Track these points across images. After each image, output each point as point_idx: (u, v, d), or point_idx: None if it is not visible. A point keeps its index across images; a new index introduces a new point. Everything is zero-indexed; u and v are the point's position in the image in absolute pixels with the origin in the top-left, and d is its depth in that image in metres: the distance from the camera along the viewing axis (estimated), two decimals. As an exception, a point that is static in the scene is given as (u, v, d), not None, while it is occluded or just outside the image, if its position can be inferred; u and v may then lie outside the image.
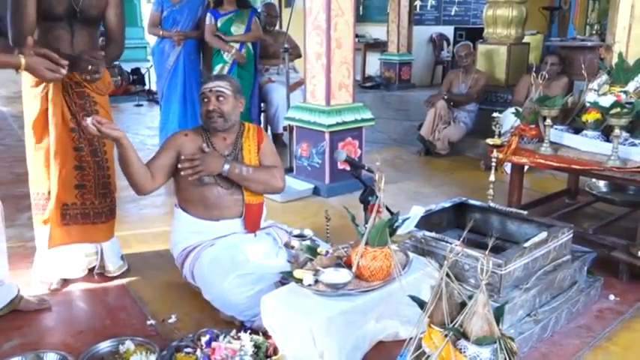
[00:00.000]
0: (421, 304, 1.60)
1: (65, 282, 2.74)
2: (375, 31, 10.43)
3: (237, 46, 4.87)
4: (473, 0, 10.73)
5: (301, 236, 2.43)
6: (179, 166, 2.39)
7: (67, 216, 2.61)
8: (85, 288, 2.72)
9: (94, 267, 2.81)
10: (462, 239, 1.79)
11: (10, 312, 2.41)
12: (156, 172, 2.40)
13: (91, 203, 2.65)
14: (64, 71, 2.16)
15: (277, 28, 5.93)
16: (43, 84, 2.50)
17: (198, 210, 2.48)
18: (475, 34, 7.60)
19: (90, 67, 2.32)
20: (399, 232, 2.12)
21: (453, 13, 9.92)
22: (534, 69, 3.67)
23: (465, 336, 1.49)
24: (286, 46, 4.70)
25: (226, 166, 2.41)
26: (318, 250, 2.15)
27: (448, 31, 10.32)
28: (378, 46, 10.31)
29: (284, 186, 2.62)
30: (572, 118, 3.08)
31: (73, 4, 2.48)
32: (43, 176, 2.60)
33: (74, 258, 2.74)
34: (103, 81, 2.66)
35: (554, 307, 2.27)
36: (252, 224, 2.52)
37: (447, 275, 1.51)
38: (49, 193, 2.60)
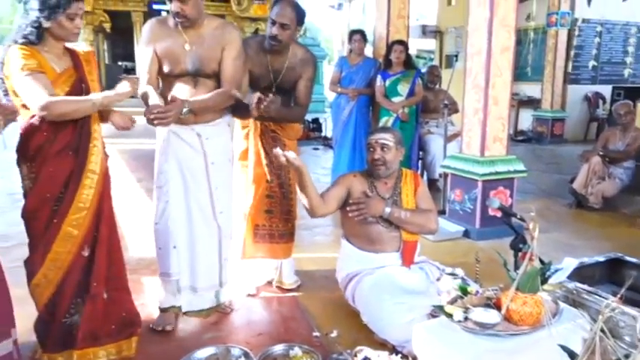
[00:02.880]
0: (572, 355, 1.43)
1: (258, 290, 2.92)
2: (529, 89, 9.86)
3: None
4: (633, 60, 9.69)
5: (452, 274, 2.34)
6: (347, 208, 2.45)
7: (257, 235, 2.82)
8: (264, 297, 2.88)
9: (272, 280, 2.98)
10: (619, 295, 1.58)
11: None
12: (328, 199, 2.50)
13: (276, 226, 2.84)
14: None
15: (438, 86, 5.90)
16: (248, 127, 2.76)
17: (361, 243, 2.51)
18: (634, 93, 6.82)
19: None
20: (551, 281, 1.94)
21: (626, 74, 8.87)
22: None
23: (619, 394, 1.30)
24: (446, 102, 4.65)
25: (387, 210, 2.42)
26: (469, 289, 2.04)
27: (604, 89, 9.38)
28: (532, 103, 9.70)
29: (437, 228, 2.56)
30: None
31: (273, 82, 2.73)
32: (242, 199, 2.84)
33: (259, 270, 2.94)
34: (292, 128, 2.85)
35: None
36: (408, 259, 2.49)
37: (602, 330, 1.34)
38: (244, 214, 2.83)
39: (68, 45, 2.10)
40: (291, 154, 2.25)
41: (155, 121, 2.14)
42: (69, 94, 2.01)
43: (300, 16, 2.65)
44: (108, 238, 2.16)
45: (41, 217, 2.03)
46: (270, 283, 2.99)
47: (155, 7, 11.06)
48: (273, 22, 2.59)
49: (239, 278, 2.92)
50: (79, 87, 2.05)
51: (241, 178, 2.85)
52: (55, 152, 2.00)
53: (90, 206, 2.07)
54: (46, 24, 1.94)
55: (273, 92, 2.74)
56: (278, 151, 2.28)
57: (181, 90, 2.36)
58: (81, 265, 2.10)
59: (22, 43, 1.95)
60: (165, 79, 2.43)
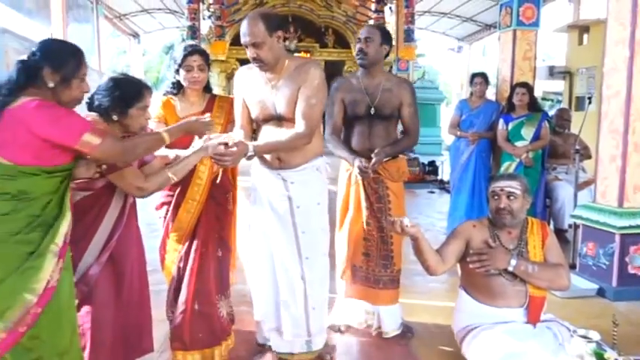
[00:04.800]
0: None
1: (348, 328, 2.89)
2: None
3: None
4: None
5: (585, 337, 2.10)
6: (468, 259, 2.33)
7: (355, 275, 2.80)
8: (375, 343, 2.80)
9: (372, 324, 2.90)
10: None
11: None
12: (446, 256, 2.38)
13: (372, 270, 2.79)
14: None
15: (567, 130, 5.52)
16: (350, 169, 2.81)
17: (481, 295, 2.36)
18: None
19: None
20: None
21: None
22: None
23: None
24: (577, 147, 4.32)
25: (513, 262, 2.26)
26: (605, 355, 1.84)
27: None
28: (680, 149, 8.63)
29: (569, 285, 2.33)
30: None
31: (370, 104, 2.76)
32: (343, 240, 2.86)
33: (356, 312, 2.91)
34: (397, 170, 2.83)
35: None
36: (533, 316, 2.29)
37: None
38: (346, 255, 2.83)
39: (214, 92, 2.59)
40: (406, 221, 2.19)
41: (213, 162, 2.20)
42: None
43: (383, 32, 2.80)
44: (199, 260, 2.42)
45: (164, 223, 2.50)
46: (369, 327, 2.91)
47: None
48: (359, 40, 2.78)
49: (338, 316, 2.92)
50: None
51: (342, 226, 2.87)
52: None
53: (187, 227, 2.43)
54: (177, 77, 2.46)
55: (371, 115, 2.77)
56: (393, 219, 2.22)
57: (268, 134, 2.38)
58: (180, 276, 2.44)
59: (164, 94, 2.53)
60: (257, 124, 2.51)
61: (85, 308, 1.94)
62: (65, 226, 1.71)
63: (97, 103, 1.99)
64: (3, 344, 1.56)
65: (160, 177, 2.05)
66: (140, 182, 1.99)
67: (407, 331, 2.89)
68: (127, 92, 1.99)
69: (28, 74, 1.66)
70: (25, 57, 1.70)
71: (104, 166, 1.90)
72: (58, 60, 1.69)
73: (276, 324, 2.46)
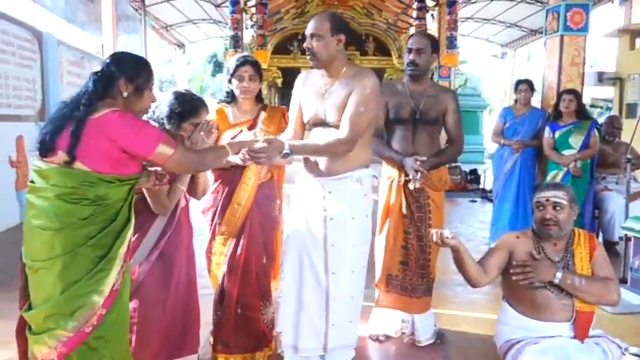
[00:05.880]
0: None
1: (387, 338, 2.87)
2: None
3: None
4: None
5: (638, 356, 2.00)
6: (511, 270, 2.25)
7: (390, 284, 2.78)
8: (404, 350, 2.79)
9: (406, 332, 2.88)
10: None
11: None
12: (488, 268, 2.31)
13: (409, 279, 2.77)
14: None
15: (618, 138, 5.30)
16: (392, 177, 2.80)
17: (525, 308, 2.27)
18: None
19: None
20: None
21: None
22: None
23: None
24: (629, 156, 4.13)
25: (558, 275, 2.17)
26: (660, 376, 1.74)
27: None
28: None
29: (619, 300, 2.23)
30: None
31: (415, 109, 2.75)
32: (381, 249, 2.83)
33: (392, 320, 2.88)
34: (440, 179, 2.80)
35: None
36: (581, 331, 2.19)
37: None
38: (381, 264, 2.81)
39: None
40: (446, 233, 2.14)
41: (249, 159, 2.17)
42: (233, 137, 2.52)
43: (433, 42, 2.82)
44: (243, 265, 2.47)
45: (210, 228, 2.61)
46: (404, 334, 2.88)
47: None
48: (410, 50, 2.77)
49: (374, 325, 2.89)
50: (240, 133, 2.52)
51: (382, 233, 2.85)
52: (216, 178, 2.58)
53: (233, 230, 2.51)
54: (230, 86, 2.57)
55: (416, 119, 2.76)
56: (433, 230, 2.17)
57: (313, 137, 2.35)
58: (225, 280, 2.51)
59: (219, 102, 2.65)
60: (308, 127, 2.46)
61: (132, 304, 2.02)
62: (131, 230, 1.79)
63: (157, 114, 2.13)
64: (70, 343, 1.66)
65: (175, 193, 2.15)
66: (167, 201, 2.11)
67: (439, 338, 2.88)
68: (184, 107, 2.14)
69: (105, 85, 1.74)
70: (99, 69, 1.78)
71: (164, 180, 1.99)
72: (132, 71, 1.77)
73: (293, 341, 2.32)
